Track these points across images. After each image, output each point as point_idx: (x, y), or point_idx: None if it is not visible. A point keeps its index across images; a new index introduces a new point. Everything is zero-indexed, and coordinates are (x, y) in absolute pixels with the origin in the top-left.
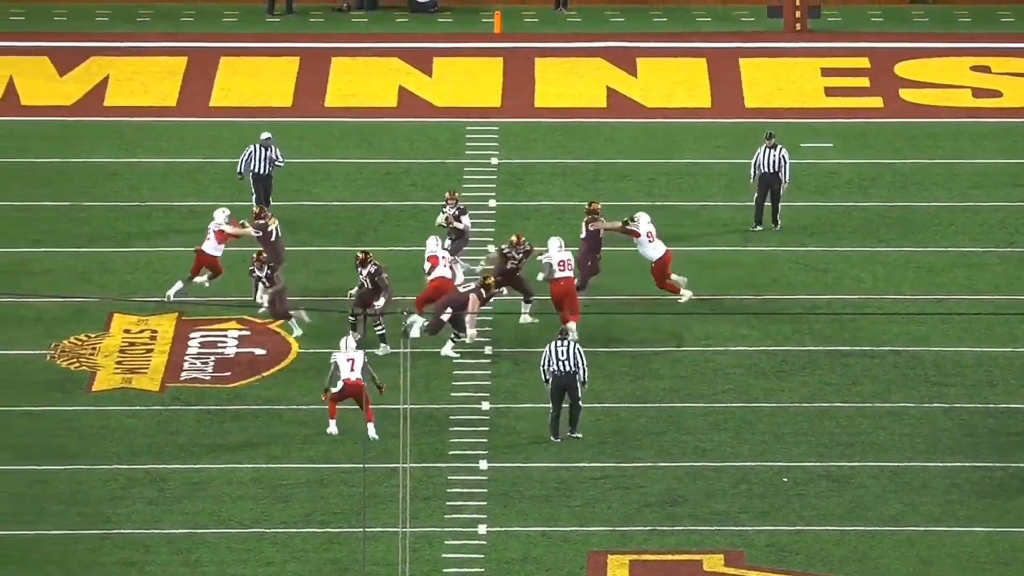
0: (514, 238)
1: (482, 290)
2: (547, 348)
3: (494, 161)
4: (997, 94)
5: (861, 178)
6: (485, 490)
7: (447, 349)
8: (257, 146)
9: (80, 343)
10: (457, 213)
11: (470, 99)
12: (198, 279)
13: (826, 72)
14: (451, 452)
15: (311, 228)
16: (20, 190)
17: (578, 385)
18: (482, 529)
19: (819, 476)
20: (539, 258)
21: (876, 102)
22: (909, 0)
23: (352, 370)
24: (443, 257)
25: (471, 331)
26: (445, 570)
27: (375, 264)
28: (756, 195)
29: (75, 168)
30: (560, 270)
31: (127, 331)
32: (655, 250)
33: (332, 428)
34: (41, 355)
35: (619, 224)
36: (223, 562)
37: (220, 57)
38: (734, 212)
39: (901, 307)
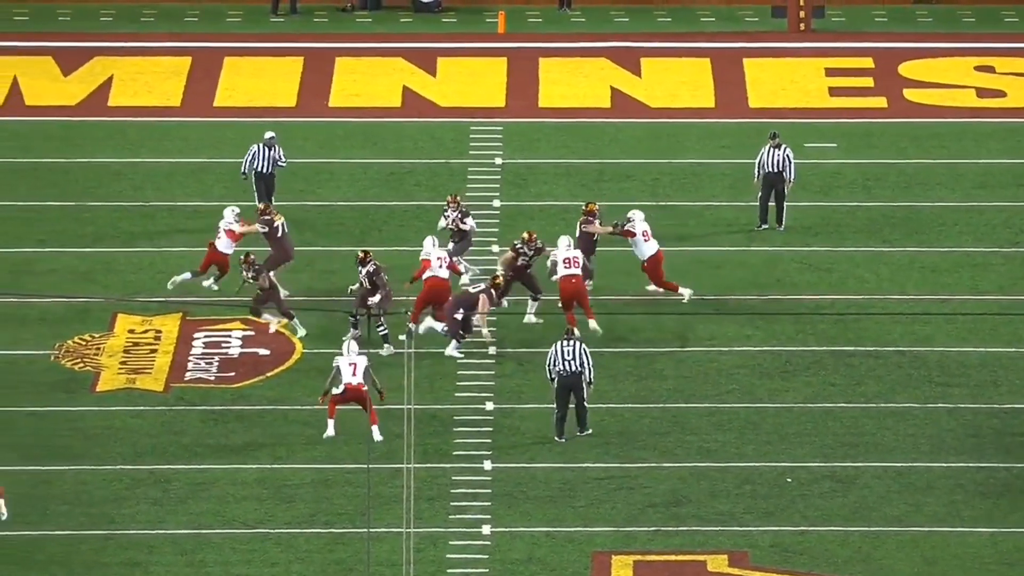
0: (526, 235)
1: (492, 290)
2: (553, 348)
3: (498, 161)
4: (1001, 94)
5: (865, 178)
6: (489, 490)
7: (451, 349)
8: (260, 145)
9: (84, 343)
10: (461, 216)
11: (474, 99)
12: (205, 282)
13: (830, 72)
14: (455, 452)
15: (315, 228)
16: (24, 190)
17: (584, 385)
18: (486, 529)
19: (823, 476)
20: (548, 261)
21: (880, 102)
22: (913, 0)
23: (354, 374)
24: (437, 258)
25: (484, 330)
26: (449, 570)
27: (374, 264)
28: (760, 194)
29: (79, 168)
30: (566, 267)
31: (131, 331)
32: (649, 248)
33: (330, 430)
34: (45, 355)
35: (610, 228)
36: (227, 562)
37: (224, 57)
38: (738, 212)
39: (905, 307)
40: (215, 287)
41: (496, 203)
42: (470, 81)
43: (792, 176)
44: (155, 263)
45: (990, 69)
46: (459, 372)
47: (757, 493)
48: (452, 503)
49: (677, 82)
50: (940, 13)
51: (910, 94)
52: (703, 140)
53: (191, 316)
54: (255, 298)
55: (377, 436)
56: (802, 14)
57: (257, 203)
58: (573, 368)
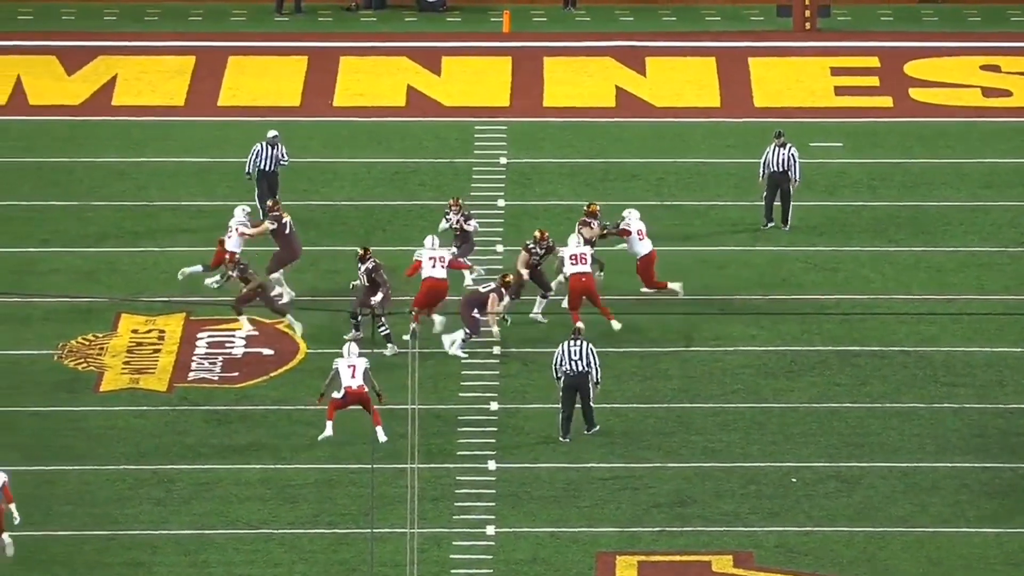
0: (537, 233)
1: (502, 288)
2: (560, 348)
3: (503, 161)
4: (1007, 93)
5: (871, 178)
6: (493, 491)
7: (455, 348)
8: (264, 144)
9: (87, 343)
10: (463, 218)
11: (479, 98)
12: (208, 280)
13: (836, 71)
14: (459, 453)
15: (319, 228)
16: (28, 190)
17: (590, 386)
18: (490, 530)
19: (828, 477)
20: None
21: (886, 101)
22: None
23: (353, 376)
24: (430, 258)
25: (494, 328)
26: (453, 571)
27: (373, 261)
28: (765, 194)
29: (83, 168)
30: (573, 263)
31: (135, 331)
32: (643, 247)
33: (328, 431)
34: (48, 355)
35: (602, 231)
36: (231, 563)
37: (228, 56)
38: (743, 212)
39: (911, 307)
40: (215, 286)
41: (500, 203)
42: (475, 80)
43: (798, 176)
44: (159, 263)
45: (996, 68)
46: (463, 372)
47: (762, 493)
48: (456, 503)
49: (682, 81)
50: (946, 12)
51: (916, 93)
52: (708, 139)
53: (195, 316)
54: (238, 297)
55: (382, 437)
56: (807, 13)
57: (257, 202)
58: (580, 368)
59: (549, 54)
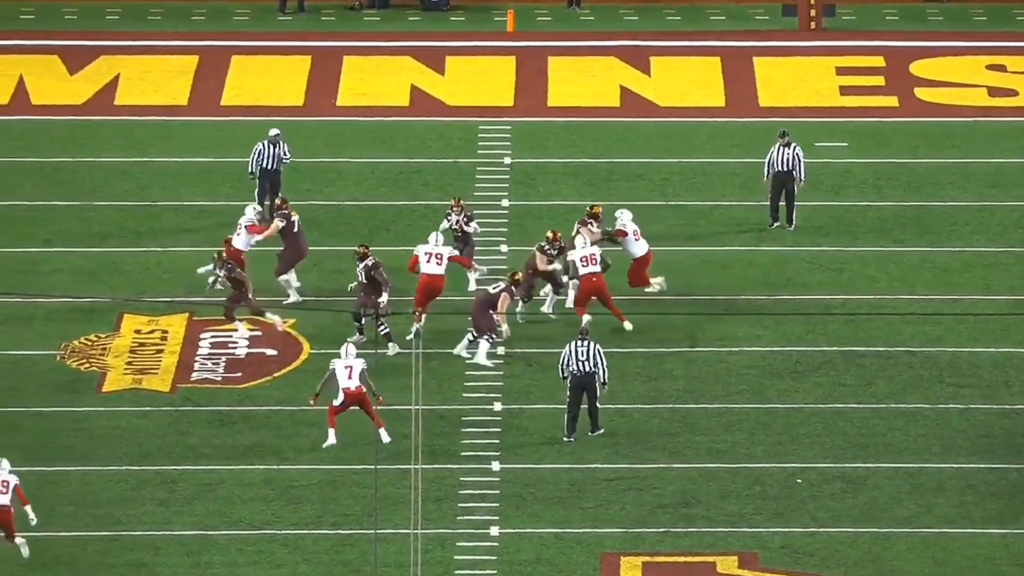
0: (550, 234)
1: (512, 287)
2: (567, 347)
3: (507, 160)
4: (1013, 93)
5: (876, 177)
6: (497, 491)
7: (460, 348)
8: (266, 143)
9: (90, 343)
10: (465, 219)
11: (483, 98)
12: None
13: (841, 71)
14: (463, 453)
15: (323, 228)
16: (30, 190)
17: (597, 386)
18: (494, 531)
19: (834, 477)
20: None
21: (891, 101)
22: None
23: (350, 378)
24: (426, 253)
25: (503, 327)
26: (457, 572)
27: (373, 259)
28: (770, 193)
29: (85, 168)
30: (584, 265)
31: (137, 331)
32: (640, 248)
33: (331, 439)
34: (51, 355)
35: (604, 237)
36: (234, 564)
37: (231, 56)
38: (748, 212)
39: (916, 307)
40: (219, 286)
41: (505, 203)
42: (479, 80)
43: (803, 175)
44: (161, 263)
45: (1002, 68)
46: (467, 372)
47: (767, 494)
48: (460, 504)
49: (687, 81)
50: (951, 11)
51: (921, 93)
52: (713, 139)
53: (197, 316)
54: (229, 297)
55: (386, 438)
56: (812, 12)
57: (257, 202)
58: (587, 368)
59: (553, 53)
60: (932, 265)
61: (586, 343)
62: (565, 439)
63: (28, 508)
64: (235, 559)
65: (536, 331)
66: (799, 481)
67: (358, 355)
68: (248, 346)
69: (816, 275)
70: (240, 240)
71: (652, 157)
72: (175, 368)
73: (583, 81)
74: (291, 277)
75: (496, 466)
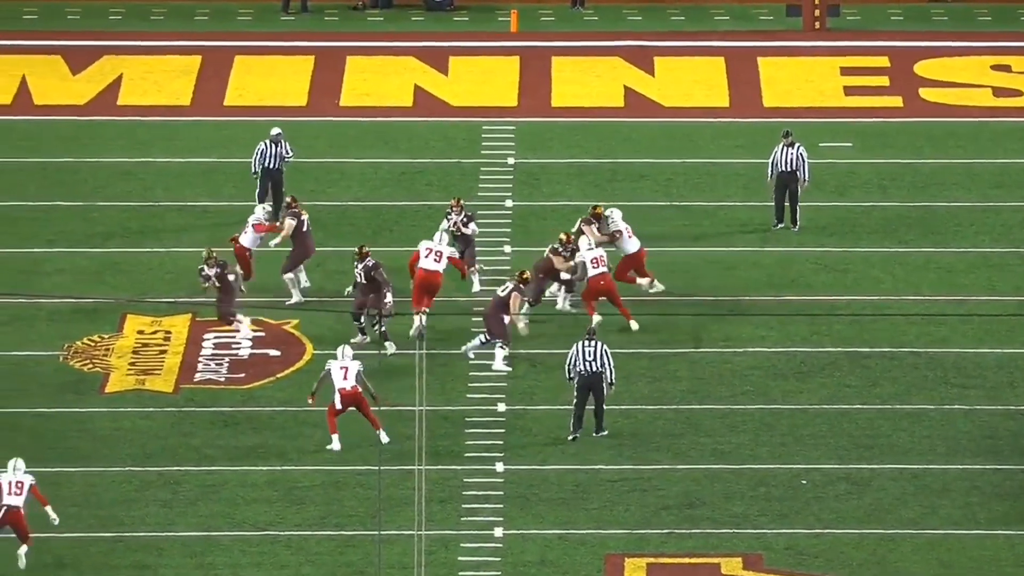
0: (563, 236)
1: (520, 285)
2: (574, 347)
3: (510, 161)
4: (1018, 93)
5: (881, 178)
6: (501, 492)
7: (469, 347)
8: (268, 142)
9: (93, 344)
10: (465, 220)
11: (486, 98)
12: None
13: (845, 71)
14: (467, 454)
15: (326, 228)
16: (33, 190)
17: (604, 386)
18: (498, 532)
19: (838, 479)
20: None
21: (896, 101)
22: None
23: (345, 379)
24: (427, 248)
25: (521, 325)
26: (461, 573)
27: (372, 260)
28: (775, 194)
29: (88, 168)
30: (594, 267)
31: (140, 332)
32: (632, 245)
33: (335, 444)
34: (54, 356)
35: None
36: (237, 565)
37: (234, 56)
38: (752, 212)
39: (921, 308)
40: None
41: (508, 203)
42: (482, 80)
43: (807, 176)
44: (164, 263)
45: (1006, 68)
46: (471, 373)
47: (772, 495)
48: (464, 505)
49: (691, 81)
50: (956, 12)
51: (926, 93)
52: (717, 140)
53: (201, 317)
54: (218, 300)
55: (384, 438)
56: (817, 12)
57: (256, 201)
58: (594, 368)
59: (557, 54)
60: (937, 266)
61: (593, 343)
62: (569, 437)
63: (48, 508)
64: (239, 560)
65: (539, 332)
66: (804, 482)
67: (356, 356)
68: (251, 347)
69: (821, 276)
70: (247, 238)
71: (656, 157)
72: (178, 369)
73: (587, 81)
74: (301, 276)
75: (500, 467)
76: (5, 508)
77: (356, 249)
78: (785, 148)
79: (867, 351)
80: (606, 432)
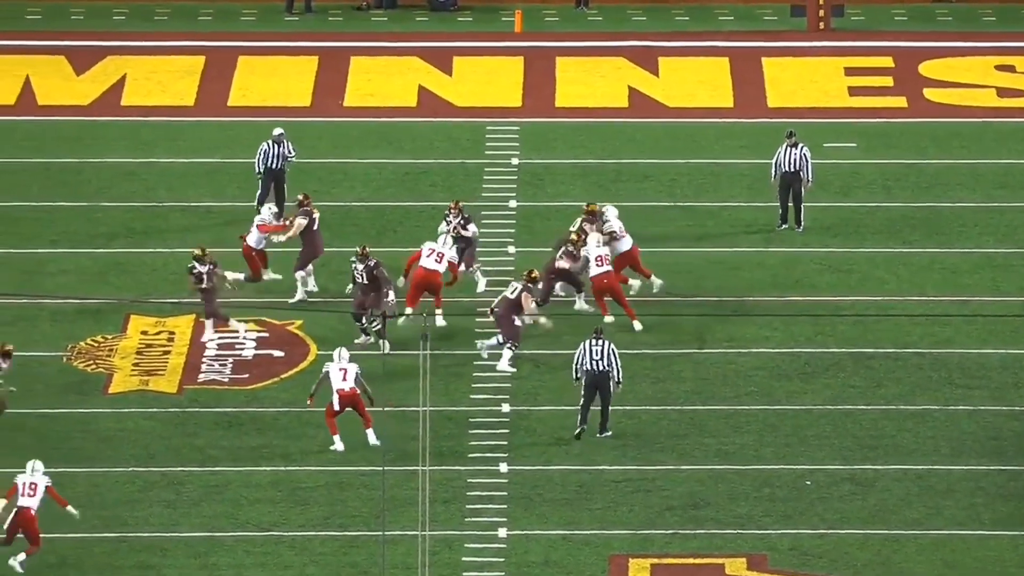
0: (574, 236)
1: (529, 284)
2: (581, 346)
3: (514, 161)
4: (1022, 93)
5: (885, 178)
6: (505, 493)
7: (484, 346)
8: (270, 142)
9: (97, 345)
10: (463, 222)
11: (490, 99)
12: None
13: (849, 71)
14: (471, 455)
15: (330, 229)
16: (37, 190)
17: (611, 385)
18: (502, 532)
19: (843, 479)
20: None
21: (900, 102)
22: None
23: (344, 380)
24: (429, 249)
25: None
26: (465, 574)
27: (373, 259)
28: (779, 194)
29: (92, 168)
30: (598, 265)
31: (144, 332)
32: (624, 244)
33: (338, 445)
34: (57, 357)
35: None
36: (241, 565)
37: (238, 56)
38: (757, 213)
39: (925, 309)
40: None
41: (512, 203)
42: (486, 81)
43: (810, 176)
44: (168, 264)
45: (1011, 68)
46: (475, 374)
47: (776, 496)
48: (468, 505)
49: (695, 81)
50: (960, 12)
51: (930, 93)
52: (721, 140)
53: (204, 317)
54: (207, 310)
55: (372, 438)
56: (821, 13)
57: (256, 203)
58: (601, 367)
59: (561, 54)
60: (941, 266)
61: (601, 342)
62: (576, 431)
63: (69, 508)
64: (242, 561)
65: (544, 333)
66: (808, 483)
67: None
68: (255, 347)
69: (825, 276)
70: (252, 238)
71: (660, 158)
72: (182, 369)
73: (591, 82)
74: (309, 280)
75: (504, 467)
76: (17, 509)
77: (358, 249)
78: (789, 148)
79: (871, 352)
80: (610, 433)
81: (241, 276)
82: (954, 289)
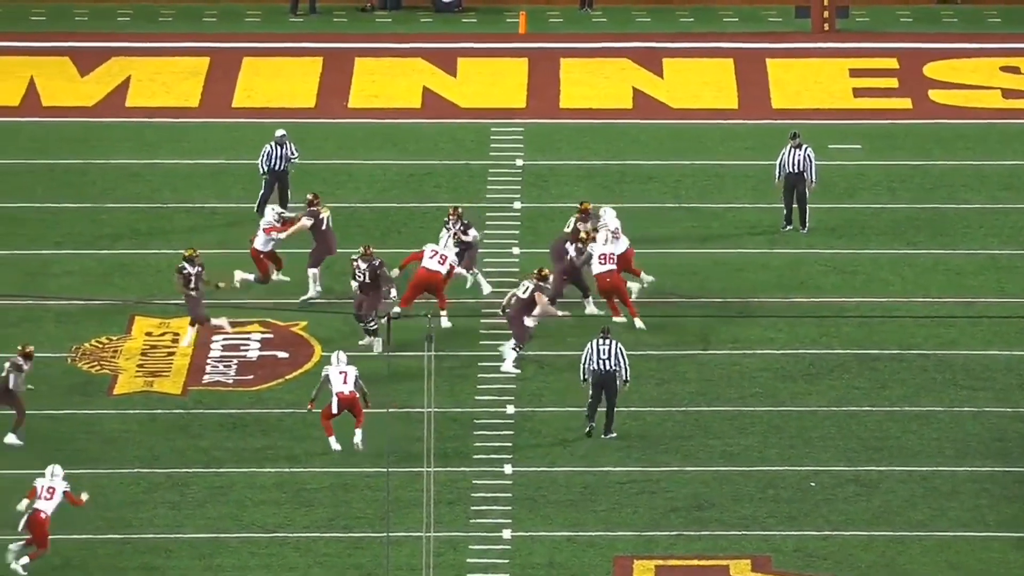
0: (584, 235)
1: (539, 283)
2: (588, 345)
3: (519, 162)
4: None
5: (890, 180)
6: (510, 494)
7: (508, 365)
8: (273, 144)
9: (101, 346)
10: (464, 228)
11: (495, 100)
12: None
13: (854, 73)
14: (475, 456)
15: (334, 230)
16: (41, 192)
17: (618, 383)
18: (507, 534)
19: (847, 481)
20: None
21: (905, 103)
22: (938, 0)
23: (344, 383)
24: (432, 250)
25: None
26: (469, 575)
27: (377, 259)
28: (783, 196)
29: (96, 169)
30: (601, 263)
31: (149, 334)
32: (621, 245)
33: (334, 445)
34: (61, 358)
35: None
36: (245, 567)
37: (243, 57)
38: (761, 214)
39: (930, 310)
40: (237, 286)
41: (517, 205)
42: (491, 82)
43: (815, 177)
44: (173, 265)
45: (1016, 70)
46: (479, 375)
47: (780, 497)
48: (472, 507)
49: (699, 83)
50: (965, 13)
51: (935, 95)
52: (726, 141)
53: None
54: (193, 316)
55: (358, 438)
56: (826, 14)
57: (256, 205)
58: (608, 367)
59: (565, 55)
60: (946, 267)
61: (608, 342)
62: (585, 429)
63: (84, 495)
64: (247, 562)
65: (547, 332)
66: (812, 484)
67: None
68: (260, 348)
69: (829, 277)
70: (259, 240)
71: (665, 159)
72: (186, 371)
73: (595, 83)
74: (316, 274)
75: (508, 469)
76: (31, 511)
77: (361, 248)
78: (793, 149)
79: (876, 353)
80: (615, 435)
81: (251, 276)
82: (959, 290)
